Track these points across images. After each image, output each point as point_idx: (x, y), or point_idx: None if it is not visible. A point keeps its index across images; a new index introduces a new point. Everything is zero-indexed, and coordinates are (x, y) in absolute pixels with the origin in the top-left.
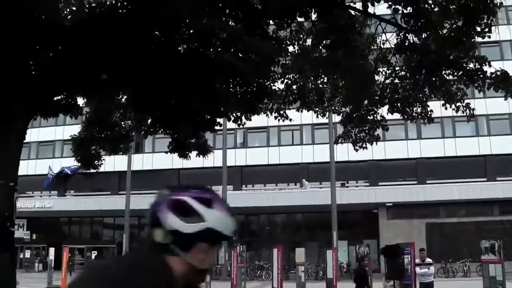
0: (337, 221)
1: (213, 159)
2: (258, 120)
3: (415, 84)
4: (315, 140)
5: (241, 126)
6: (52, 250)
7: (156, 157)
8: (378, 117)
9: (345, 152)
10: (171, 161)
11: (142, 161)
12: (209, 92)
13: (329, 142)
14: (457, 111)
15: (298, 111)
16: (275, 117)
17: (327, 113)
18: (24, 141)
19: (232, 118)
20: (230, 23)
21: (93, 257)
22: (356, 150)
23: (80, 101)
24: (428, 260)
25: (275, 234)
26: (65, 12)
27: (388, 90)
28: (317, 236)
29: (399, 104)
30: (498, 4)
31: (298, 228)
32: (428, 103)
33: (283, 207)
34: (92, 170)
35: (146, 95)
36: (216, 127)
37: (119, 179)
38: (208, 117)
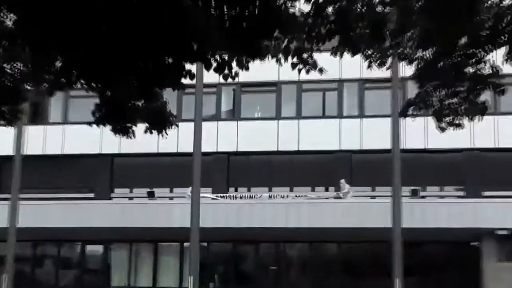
0: (402, 260)
1: (177, 140)
2: (261, 70)
3: None
4: (365, 110)
5: (230, 81)
6: None
7: (71, 133)
8: (486, 69)
9: (420, 133)
10: (99, 140)
11: (44, 140)
12: (173, 15)
13: (391, 114)
14: None
15: (335, 55)
16: (293, 66)
17: (389, 59)
18: None
19: (215, 65)
20: None
21: None
22: (442, 130)
23: None
24: None
25: (288, 280)
26: None
27: (506, 19)
28: (365, 285)
29: None
30: None
31: (330, 269)
32: None
33: (304, 230)
34: None
35: (53, 15)
36: (184, 80)
37: None
38: (170, 61)
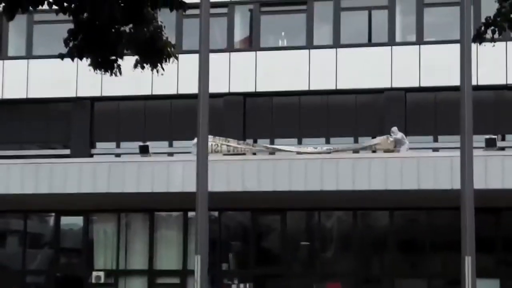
0: (475, 232)
1: (177, 77)
2: None
3: None
4: (425, 34)
5: None
6: None
7: (37, 70)
8: None
9: (500, 64)
10: (74, 79)
11: (1, 80)
12: None
13: (460, 39)
14: None
15: None
16: None
17: None
18: None
19: None
20: None
21: None
22: None
23: None
24: None
25: (324, 259)
26: None
27: None
28: (425, 264)
29: None
30: None
31: (380, 245)
32: None
33: (345, 194)
34: None
35: None
36: None
37: None
38: None
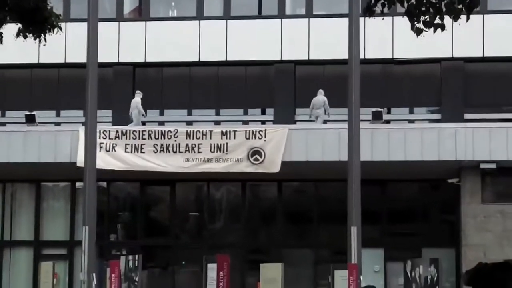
0: (360, 203)
1: (65, 47)
2: None
3: None
4: (314, 7)
5: None
6: None
7: None
8: None
9: (387, 39)
10: None
11: None
12: None
13: (348, 13)
14: None
15: None
16: None
17: None
18: None
19: None
20: None
21: None
22: (418, 33)
23: None
24: None
25: (213, 229)
26: None
27: None
28: (313, 234)
29: None
30: None
31: (269, 215)
32: None
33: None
34: None
35: None
36: None
37: None
38: None
